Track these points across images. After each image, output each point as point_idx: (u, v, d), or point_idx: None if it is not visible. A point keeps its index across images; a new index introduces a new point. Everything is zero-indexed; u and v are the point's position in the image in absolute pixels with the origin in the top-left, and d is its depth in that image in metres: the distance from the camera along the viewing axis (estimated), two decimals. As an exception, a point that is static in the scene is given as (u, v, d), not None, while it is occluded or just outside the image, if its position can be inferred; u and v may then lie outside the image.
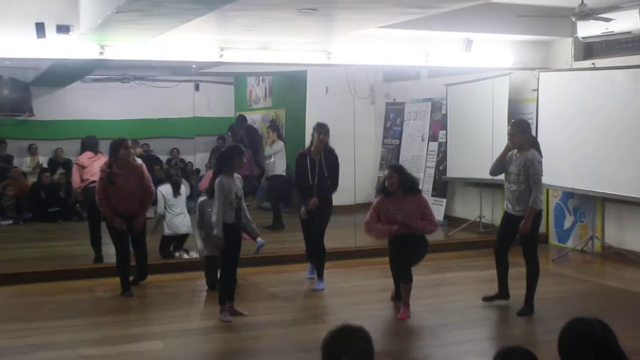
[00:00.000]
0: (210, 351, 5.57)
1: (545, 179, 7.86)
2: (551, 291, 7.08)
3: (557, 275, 8.01)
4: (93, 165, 7.65)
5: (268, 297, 6.90)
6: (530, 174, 6.03)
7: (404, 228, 5.90)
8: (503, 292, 6.25)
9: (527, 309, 6.03)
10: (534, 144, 6.87)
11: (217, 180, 5.82)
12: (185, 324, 6.01)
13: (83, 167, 7.89)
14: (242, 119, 13.23)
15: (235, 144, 7.59)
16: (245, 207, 6.21)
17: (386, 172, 6.33)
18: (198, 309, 6.77)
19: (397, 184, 5.91)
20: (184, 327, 5.88)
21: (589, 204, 8.94)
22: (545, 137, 9.03)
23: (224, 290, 6.00)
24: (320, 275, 7.05)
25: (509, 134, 6.41)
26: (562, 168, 8.83)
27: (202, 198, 6.82)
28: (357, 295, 6.98)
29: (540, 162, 6.24)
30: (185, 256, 8.15)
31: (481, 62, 9.79)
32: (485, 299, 6.35)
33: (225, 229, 5.72)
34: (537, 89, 9.50)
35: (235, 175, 5.99)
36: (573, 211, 9.30)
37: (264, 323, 5.98)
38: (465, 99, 10.62)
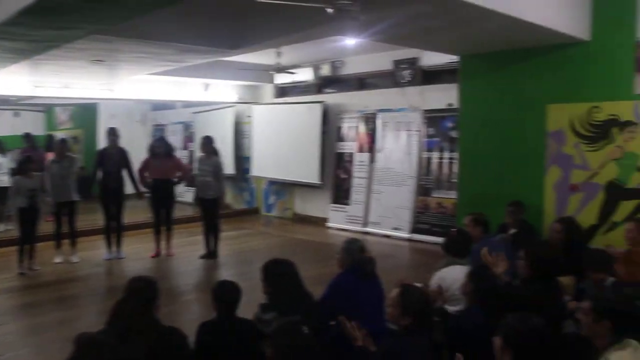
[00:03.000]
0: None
1: (258, 172, 11.29)
2: (261, 244, 9.44)
3: (264, 233, 10.43)
4: None
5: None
6: (217, 171, 8.03)
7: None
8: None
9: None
10: (216, 152, 8.28)
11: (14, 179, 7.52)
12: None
13: None
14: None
15: (28, 155, 8.36)
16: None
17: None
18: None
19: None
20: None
21: (285, 188, 11.79)
22: (257, 146, 11.90)
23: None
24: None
25: (202, 144, 8.18)
26: (267, 165, 11.66)
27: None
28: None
29: (222, 163, 8.27)
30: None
31: (216, 97, 12.07)
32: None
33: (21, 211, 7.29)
34: (251, 116, 12.12)
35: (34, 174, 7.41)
36: (275, 192, 12.11)
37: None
38: (206, 122, 12.97)
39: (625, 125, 6.14)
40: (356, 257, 4.09)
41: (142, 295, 3.41)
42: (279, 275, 3.72)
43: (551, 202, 6.70)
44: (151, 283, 3.52)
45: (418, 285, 3.57)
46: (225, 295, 3.52)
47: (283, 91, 12.17)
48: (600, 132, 6.33)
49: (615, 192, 6.24)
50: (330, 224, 10.71)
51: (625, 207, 6.14)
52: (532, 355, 2.57)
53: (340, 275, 4.08)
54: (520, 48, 6.83)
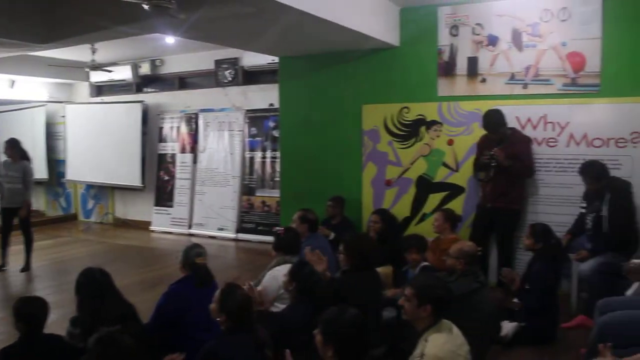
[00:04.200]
0: None
1: (74, 176, 10.63)
2: (80, 252, 8.72)
3: (84, 240, 9.65)
4: None
5: None
6: (26, 177, 7.36)
7: None
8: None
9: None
10: (25, 156, 7.53)
11: None
12: None
13: None
14: None
15: None
16: None
17: None
18: None
19: None
20: None
21: (104, 192, 11.21)
22: (72, 148, 11.10)
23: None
24: None
25: (7, 148, 7.40)
26: (84, 168, 10.93)
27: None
28: None
29: (32, 168, 7.55)
30: None
31: (23, 96, 11.10)
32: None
33: None
34: (65, 116, 11.29)
35: None
36: (94, 197, 11.45)
37: None
38: (13, 123, 11.53)
39: (431, 124, 6.62)
40: (191, 263, 3.98)
41: None
42: (89, 285, 3.49)
43: (369, 196, 7.03)
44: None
45: (246, 285, 3.53)
46: (28, 313, 3.16)
47: (100, 90, 11.53)
48: (410, 131, 6.76)
49: (425, 186, 6.70)
50: (153, 228, 10.35)
51: (434, 200, 6.62)
52: (352, 346, 2.61)
53: (176, 282, 3.95)
54: (337, 51, 7.10)
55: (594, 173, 5.20)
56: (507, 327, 4.60)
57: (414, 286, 3.16)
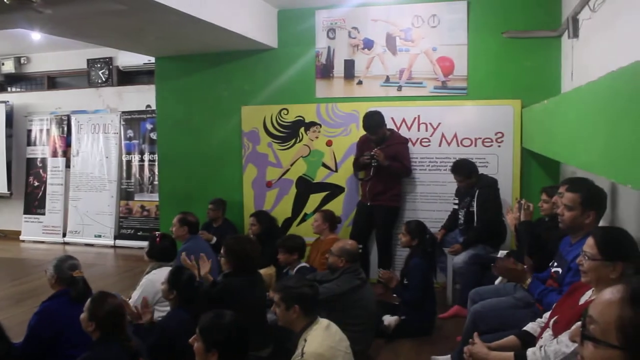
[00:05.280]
0: None
1: None
2: None
3: None
4: None
5: None
6: None
7: None
8: None
9: None
10: None
11: None
12: None
13: None
14: None
15: None
16: None
17: None
18: None
19: None
20: None
21: None
22: None
23: None
24: None
25: None
26: None
27: None
28: None
29: None
30: None
31: None
32: None
33: None
34: None
35: None
36: None
37: None
38: None
39: (310, 125, 6.65)
40: (66, 277, 3.65)
41: None
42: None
43: (250, 198, 6.95)
44: None
45: (117, 294, 3.34)
46: None
47: None
48: (289, 132, 6.75)
49: (305, 186, 6.72)
50: (24, 237, 9.65)
51: (314, 200, 6.66)
52: (235, 349, 2.55)
53: (48, 299, 3.61)
54: (215, 52, 6.96)
55: (464, 171, 5.45)
56: (389, 320, 4.71)
57: (278, 290, 3.17)
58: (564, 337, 2.31)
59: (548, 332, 2.56)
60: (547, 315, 2.77)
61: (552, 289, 3.11)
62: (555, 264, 3.28)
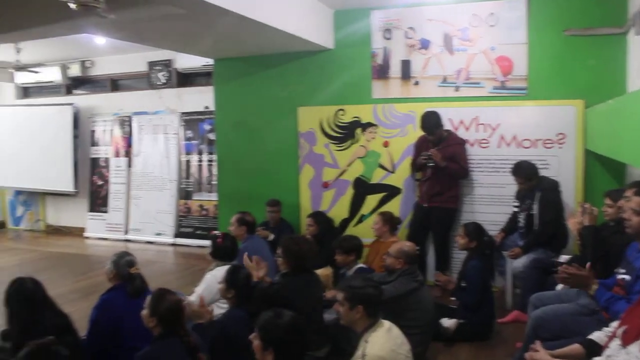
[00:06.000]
0: None
1: (1, 182, 10.14)
2: (10, 261, 8.21)
3: (13, 249, 9.09)
4: None
5: None
6: None
7: None
8: None
9: None
10: None
11: None
12: None
13: None
14: None
15: None
16: None
17: None
18: None
19: None
20: None
21: (34, 198, 10.70)
22: None
23: None
24: None
25: None
26: (12, 173, 10.40)
27: None
28: None
29: None
30: None
31: None
32: None
33: None
34: None
35: None
36: (23, 203, 10.90)
37: None
38: None
39: (367, 126, 6.62)
40: (124, 272, 3.78)
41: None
42: (19, 296, 3.30)
43: (307, 199, 6.98)
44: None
45: (179, 293, 3.41)
46: None
47: (26, 92, 11.00)
48: (346, 133, 6.74)
49: (362, 187, 6.70)
50: (88, 234, 9.97)
51: (371, 201, 6.63)
52: (291, 349, 2.56)
53: (107, 293, 3.75)
54: (272, 53, 7.01)
55: (525, 173, 5.32)
56: (448, 323, 4.65)
57: (343, 289, 3.16)
58: (634, 347, 2.22)
59: (616, 342, 2.47)
60: (614, 324, 2.67)
61: (620, 297, 2.99)
62: (622, 270, 3.16)
